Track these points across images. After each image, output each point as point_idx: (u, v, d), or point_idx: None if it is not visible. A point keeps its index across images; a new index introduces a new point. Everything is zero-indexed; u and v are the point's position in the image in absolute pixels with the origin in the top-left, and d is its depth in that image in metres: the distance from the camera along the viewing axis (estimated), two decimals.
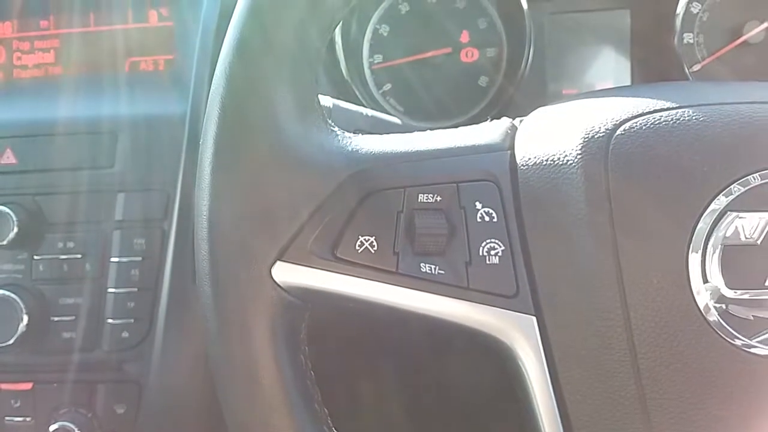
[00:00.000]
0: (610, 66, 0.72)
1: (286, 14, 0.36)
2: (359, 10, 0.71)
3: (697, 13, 0.70)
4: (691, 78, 0.69)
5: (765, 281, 0.32)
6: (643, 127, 0.34)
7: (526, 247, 0.35)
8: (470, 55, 0.72)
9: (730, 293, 0.32)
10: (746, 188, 0.32)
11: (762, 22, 0.68)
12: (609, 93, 0.39)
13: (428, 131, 0.38)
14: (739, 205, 0.32)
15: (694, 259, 0.32)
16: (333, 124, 0.38)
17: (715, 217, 0.32)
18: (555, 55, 0.72)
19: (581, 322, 0.34)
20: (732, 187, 0.32)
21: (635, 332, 0.33)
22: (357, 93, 0.68)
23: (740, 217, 0.32)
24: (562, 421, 0.34)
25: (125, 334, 0.55)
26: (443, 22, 0.72)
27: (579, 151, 0.34)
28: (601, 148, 0.34)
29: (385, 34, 0.73)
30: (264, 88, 0.34)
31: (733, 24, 0.69)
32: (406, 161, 0.36)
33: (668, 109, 0.35)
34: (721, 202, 0.32)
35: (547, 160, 0.35)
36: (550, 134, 0.36)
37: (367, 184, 0.35)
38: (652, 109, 0.35)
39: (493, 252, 0.35)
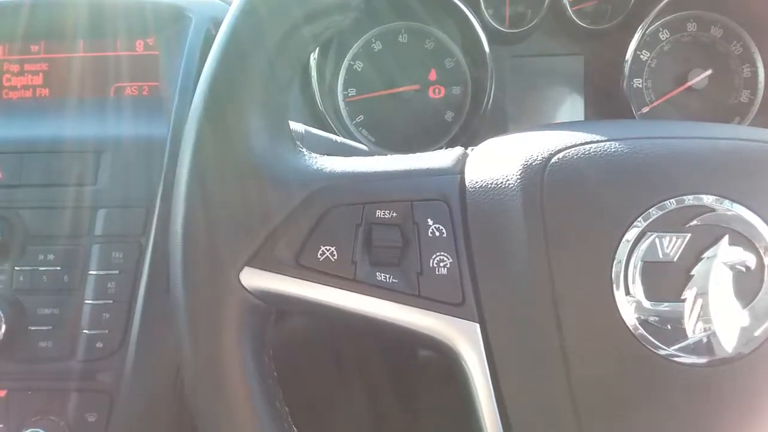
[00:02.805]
0: (565, 106, 0.77)
1: (261, 45, 0.40)
2: (335, 47, 0.76)
3: (646, 60, 0.76)
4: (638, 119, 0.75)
5: (680, 294, 0.36)
6: (575, 157, 0.39)
7: (471, 260, 0.38)
8: (437, 92, 0.78)
9: (649, 305, 0.36)
10: (663, 211, 0.36)
11: (705, 70, 0.75)
12: (549, 128, 0.43)
13: (388, 155, 0.42)
14: (658, 226, 0.36)
15: (618, 274, 0.36)
16: (302, 145, 0.41)
17: (636, 236, 0.36)
18: (515, 95, 0.77)
19: (519, 331, 0.37)
20: (651, 210, 0.37)
21: (567, 342, 0.36)
22: (331, 124, 0.72)
23: (658, 237, 0.36)
24: (501, 422, 0.38)
25: (99, 345, 0.57)
26: (413, 60, 0.77)
27: (519, 177, 0.39)
28: (537, 174, 0.38)
29: (359, 70, 0.78)
30: (238, 109, 0.38)
31: (678, 71, 0.75)
32: (366, 180, 0.39)
33: (597, 141, 0.39)
34: (641, 223, 0.36)
35: (492, 184, 0.39)
36: (496, 161, 0.41)
37: (330, 199, 0.38)
38: (583, 141, 0.39)
39: (442, 264, 0.38)
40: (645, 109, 0.76)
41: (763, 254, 0.36)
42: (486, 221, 0.39)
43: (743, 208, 0.36)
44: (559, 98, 0.77)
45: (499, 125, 0.77)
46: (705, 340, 0.36)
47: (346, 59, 0.78)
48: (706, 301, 0.36)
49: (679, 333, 0.36)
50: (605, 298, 0.36)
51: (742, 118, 0.75)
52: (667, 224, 0.36)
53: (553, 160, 0.39)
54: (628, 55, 0.72)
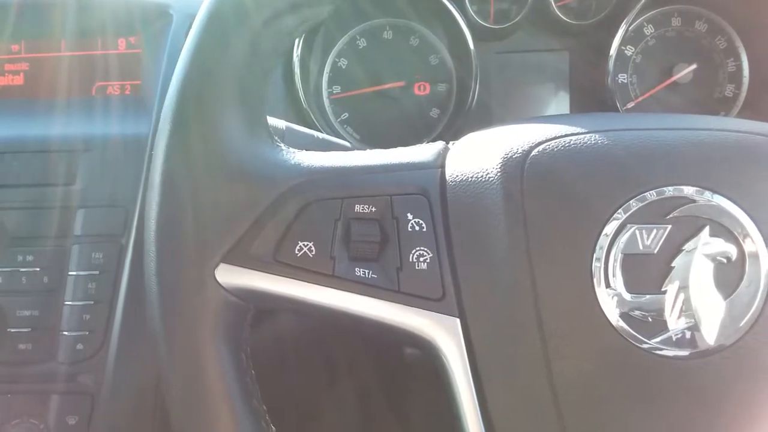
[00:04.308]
0: (551, 102, 0.77)
1: (240, 34, 0.39)
2: (320, 44, 0.75)
3: (631, 55, 0.76)
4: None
5: (661, 286, 0.36)
6: (555, 149, 0.38)
7: (452, 255, 0.38)
8: (423, 89, 0.77)
9: (630, 297, 0.36)
10: (643, 203, 0.36)
11: (690, 64, 0.75)
12: (530, 121, 0.43)
13: (368, 150, 0.42)
14: (638, 218, 0.36)
15: (598, 267, 0.36)
16: (279, 140, 0.41)
17: (616, 228, 0.36)
18: (501, 91, 0.77)
19: (499, 325, 0.37)
20: (631, 202, 0.36)
21: (547, 337, 0.36)
22: (315, 121, 0.72)
23: (638, 229, 0.36)
24: (482, 418, 0.37)
25: (80, 346, 0.56)
26: (398, 57, 0.77)
27: (499, 170, 0.38)
28: (517, 167, 0.38)
29: (344, 67, 0.77)
30: (214, 104, 0.38)
31: (663, 66, 0.75)
32: (344, 175, 0.39)
33: (577, 133, 0.39)
34: (620, 215, 0.36)
35: (472, 177, 0.39)
36: (477, 155, 0.40)
37: (307, 195, 0.38)
38: (563, 134, 0.39)
39: (422, 259, 0.38)
40: (630, 105, 0.76)
41: (743, 245, 0.36)
42: (466, 215, 0.38)
43: (724, 199, 0.36)
44: (544, 95, 0.77)
45: (484, 122, 0.76)
46: (687, 332, 0.36)
47: (330, 56, 0.77)
48: (688, 293, 0.36)
49: (661, 326, 0.36)
50: (585, 291, 0.36)
51: (726, 112, 0.75)
52: (648, 216, 0.36)
53: (533, 153, 0.38)
54: (612, 51, 0.71)
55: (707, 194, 0.36)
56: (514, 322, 0.36)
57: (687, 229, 0.36)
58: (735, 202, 0.36)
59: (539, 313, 0.36)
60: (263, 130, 0.40)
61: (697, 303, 0.35)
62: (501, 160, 0.38)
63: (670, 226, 0.36)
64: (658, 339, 0.36)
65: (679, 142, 0.38)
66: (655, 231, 0.36)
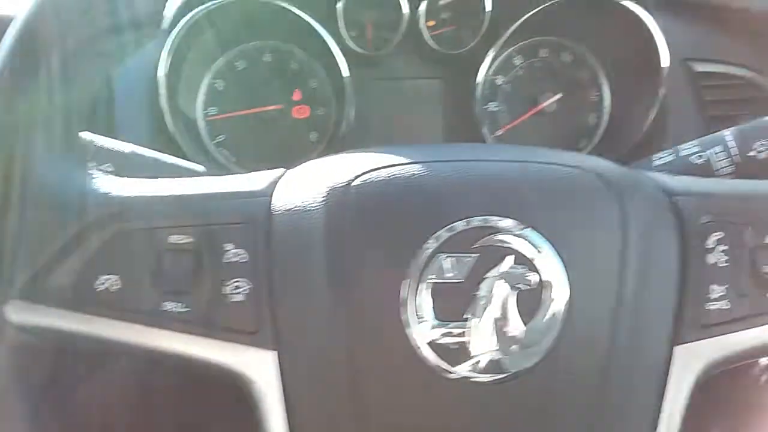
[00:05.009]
0: (425, 129, 0.79)
1: (53, 51, 0.38)
2: (191, 65, 0.74)
3: (501, 84, 0.79)
4: (491, 141, 0.77)
5: (464, 314, 0.37)
6: (377, 180, 0.39)
7: (272, 286, 0.38)
8: (302, 112, 0.78)
9: (437, 326, 0.37)
10: (452, 233, 0.38)
11: (555, 94, 0.79)
12: (362, 150, 0.44)
13: (196, 177, 0.42)
14: (447, 248, 0.37)
15: (407, 297, 0.37)
16: (106, 165, 0.40)
17: (426, 258, 0.37)
18: (379, 117, 0.79)
19: (312, 358, 0.37)
20: (441, 232, 0.38)
21: (358, 371, 0.36)
22: (182, 145, 0.70)
23: (447, 258, 0.37)
24: None
25: None
26: (277, 80, 0.77)
27: (322, 200, 0.39)
28: (339, 197, 0.39)
29: (221, 89, 0.77)
30: (17, 126, 0.36)
31: (531, 95, 0.79)
32: (161, 204, 0.38)
33: (400, 164, 0.40)
34: (431, 244, 0.37)
35: (297, 207, 0.39)
36: (304, 184, 0.41)
37: (116, 225, 0.37)
38: (387, 164, 0.40)
39: (238, 290, 0.38)
40: (499, 132, 0.79)
41: (542, 273, 0.37)
42: (288, 245, 0.39)
43: (528, 229, 0.38)
44: (419, 121, 0.79)
45: (363, 146, 0.77)
46: (489, 358, 0.37)
47: (206, 77, 0.76)
48: (490, 320, 0.37)
49: (466, 353, 0.37)
50: (394, 321, 0.37)
51: (589, 139, 0.79)
52: (457, 245, 0.38)
53: (355, 183, 0.39)
54: (480, 79, 0.74)
55: (513, 224, 0.38)
56: (325, 355, 0.37)
57: (492, 257, 0.37)
58: (538, 231, 0.38)
59: (350, 346, 0.36)
60: (75, 155, 0.39)
61: (499, 330, 0.37)
62: (326, 190, 0.39)
63: (476, 255, 0.37)
64: (463, 366, 0.37)
65: (490, 173, 0.40)
66: (462, 260, 0.37)
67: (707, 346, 0.39)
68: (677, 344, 0.39)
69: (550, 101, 0.78)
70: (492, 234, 0.38)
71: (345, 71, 0.72)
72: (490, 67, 0.77)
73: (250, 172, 0.65)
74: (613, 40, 0.77)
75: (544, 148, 0.44)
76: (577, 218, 0.39)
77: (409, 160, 0.40)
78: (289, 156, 0.77)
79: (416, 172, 0.39)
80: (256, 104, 0.77)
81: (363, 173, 0.40)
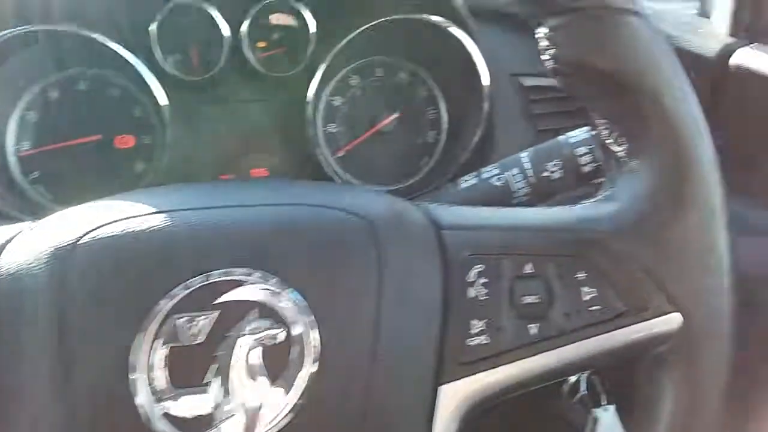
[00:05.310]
0: (259, 151, 0.76)
1: None
2: None
3: (339, 105, 0.77)
4: (334, 163, 0.75)
5: (204, 378, 0.34)
6: (108, 235, 0.36)
7: None
8: (125, 142, 0.73)
9: (173, 395, 0.34)
10: (189, 290, 0.35)
11: (393, 113, 0.78)
12: (106, 200, 0.40)
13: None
14: (183, 307, 0.35)
15: (138, 366, 0.33)
16: None
17: (159, 319, 0.34)
18: (205, 143, 0.75)
19: None
20: (174, 290, 0.35)
21: None
22: None
23: (183, 318, 0.34)
24: None
25: None
26: (96, 109, 0.72)
27: (46, 260, 0.35)
28: (66, 255, 0.35)
29: (34, 121, 0.71)
30: None
31: (369, 114, 0.78)
32: None
33: (131, 217, 0.37)
34: (164, 305, 0.34)
35: (19, 269, 0.36)
36: (35, 242, 0.37)
37: None
38: (118, 218, 0.37)
39: None
40: (340, 153, 0.77)
41: (290, 326, 0.35)
42: (8, 311, 0.35)
43: (274, 280, 0.36)
44: (254, 145, 0.76)
45: (192, 176, 0.74)
46: (234, 425, 0.34)
47: (17, 109, 0.71)
48: (232, 383, 0.34)
49: (207, 422, 0.34)
50: (122, 391, 0.33)
51: (430, 157, 0.78)
52: (195, 304, 0.35)
53: (84, 240, 0.36)
54: (309, 99, 0.72)
55: (256, 275, 0.35)
56: None
57: (234, 313, 0.35)
58: (284, 281, 0.36)
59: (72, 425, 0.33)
60: None
61: (242, 392, 0.34)
62: (50, 251, 0.36)
63: (217, 312, 0.35)
64: None
65: (228, 222, 0.37)
66: (201, 319, 0.35)
67: (470, 384, 0.38)
68: (441, 384, 0.37)
69: (388, 120, 0.77)
70: (234, 288, 0.35)
71: (162, 99, 0.68)
72: (325, 88, 0.75)
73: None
74: (441, 60, 0.76)
75: (333, 184, 0.42)
76: (330, 264, 0.37)
77: (150, 210, 0.37)
78: (112, 190, 0.72)
79: (154, 225, 0.37)
80: (73, 136, 0.71)
81: (96, 228, 0.36)
